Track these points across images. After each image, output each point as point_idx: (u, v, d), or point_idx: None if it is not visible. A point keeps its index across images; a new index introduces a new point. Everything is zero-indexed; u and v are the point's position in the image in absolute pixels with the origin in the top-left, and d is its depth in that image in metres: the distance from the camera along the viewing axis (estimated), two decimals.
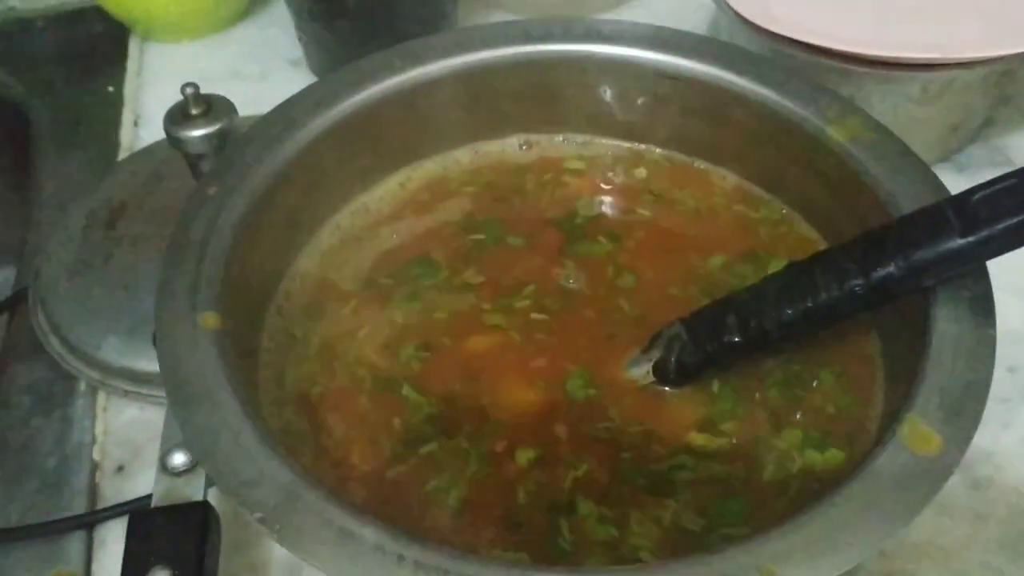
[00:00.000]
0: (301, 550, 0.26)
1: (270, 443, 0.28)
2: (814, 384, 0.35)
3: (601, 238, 0.42)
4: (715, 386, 0.36)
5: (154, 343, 0.44)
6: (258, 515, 0.26)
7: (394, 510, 0.32)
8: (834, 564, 0.26)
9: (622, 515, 0.32)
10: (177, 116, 0.48)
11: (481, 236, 0.42)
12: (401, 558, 0.25)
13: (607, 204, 0.44)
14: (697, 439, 0.34)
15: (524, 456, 0.34)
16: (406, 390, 0.36)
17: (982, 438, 0.45)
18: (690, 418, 0.35)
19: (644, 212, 0.43)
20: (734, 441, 0.34)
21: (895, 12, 0.55)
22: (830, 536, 0.26)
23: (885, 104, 0.53)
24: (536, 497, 0.33)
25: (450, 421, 0.35)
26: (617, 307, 0.39)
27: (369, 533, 0.26)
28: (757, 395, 0.35)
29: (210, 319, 0.32)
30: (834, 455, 0.33)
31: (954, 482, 0.43)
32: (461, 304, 0.39)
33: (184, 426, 0.29)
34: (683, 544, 0.31)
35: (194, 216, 0.35)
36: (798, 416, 0.34)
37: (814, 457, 0.33)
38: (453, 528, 0.32)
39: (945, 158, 0.58)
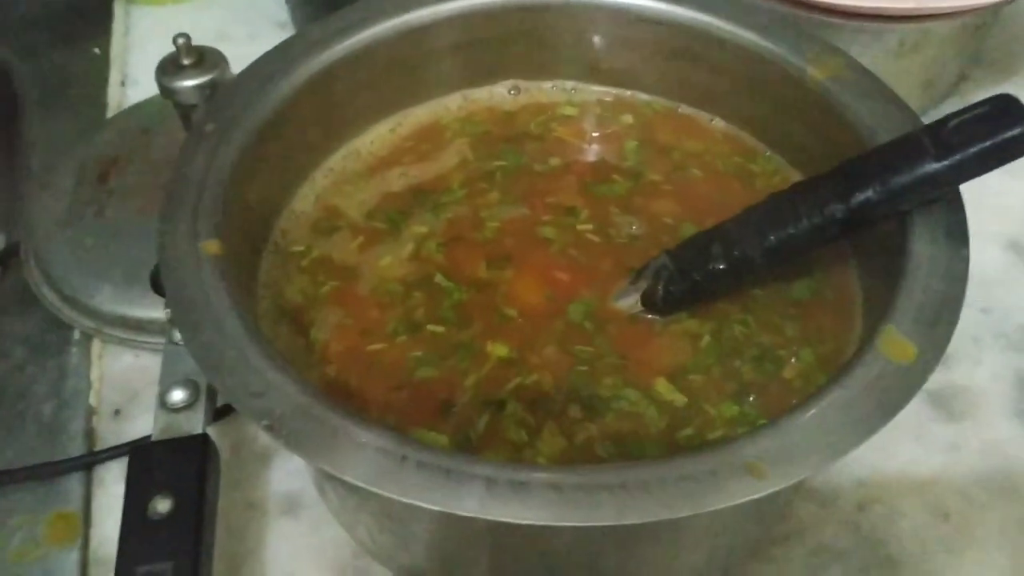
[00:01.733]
0: (308, 454, 0.27)
1: (273, 358, 0.29)
2: (792, 361, 0.36)
3: (617, 177, 0.43)
4: (706, 340, 0.37)
5: (151, 281, 0.45)
6: (265, 422, 0.27)
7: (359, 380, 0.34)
8: (815, 462, 0.27)
9: (541, 423, 0.33)
10: (169, 67, 0.48)
11: (503, 162, 0.43)
12: (404, 458, 0.26)
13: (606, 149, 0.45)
14: (659, 385, 0.35)
15: (497, 351, 0.35)
16: (438, 278, 0.38)
17: (956, 374, 0.47)
18: (666, 363, 0.36)
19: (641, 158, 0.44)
20: (687, 401, 0.35)
21: None
22: (812, 436, 0.27)
23: (863, 58, 0.53)
24: (481, 390, 0.34)
25: (467, 312, 0.37)
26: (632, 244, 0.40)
27: (372, 437, 0.27)
28: (737, 363, 0.36)
29: (211, 245, 0.33)
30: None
31: (930, 415, 0.45)
32: (509, 212, 0.41)
33: (190, 344, 0.29)
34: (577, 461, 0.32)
35: (194, 150, 0.36)
36: (751, 398, 0.35)
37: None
38: (398, 400, 0.34)
39: (921, 113, 0.59)
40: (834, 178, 0.34)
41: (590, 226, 0.40)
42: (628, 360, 0.36)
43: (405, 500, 0.26)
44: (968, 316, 0.31)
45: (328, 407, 0.28)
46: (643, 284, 0.37)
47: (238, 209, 0.36)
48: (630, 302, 0.37)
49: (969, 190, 0.33)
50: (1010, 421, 0.45)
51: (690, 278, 0.36)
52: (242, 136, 0.37)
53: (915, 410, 0.45)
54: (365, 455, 0.27)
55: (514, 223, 0.41)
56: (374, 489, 0.26)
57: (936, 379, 0.29)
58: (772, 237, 0.34)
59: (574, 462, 0.33)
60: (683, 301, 0.37)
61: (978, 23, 0.55)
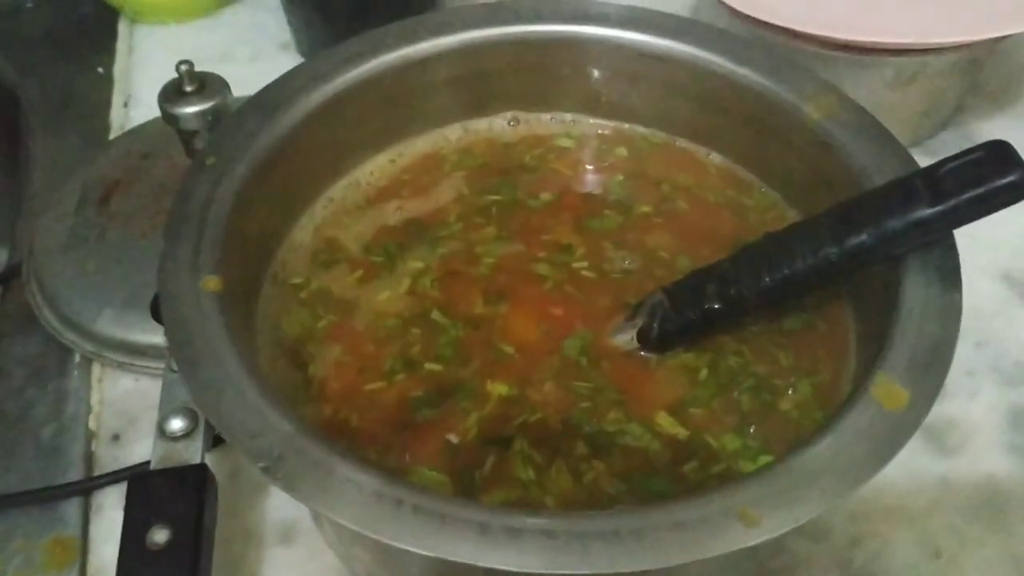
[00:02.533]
0: (304, 496, 0.27)
1: (271, 397, 0.30)
2: (789, 392, 0.36)
3: (610, 212, 0.43)
4: (703, 373, 0.37)
5: (152, 310, 0.46)
6: (262, 464, 0.28)
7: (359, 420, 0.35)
8: (808, 509, 0.27)
9: (548, 461, 0.34)
10: (171, 93, 0.49)
11: (498, 196, 0.44)
12: (400, 502, 0.27)
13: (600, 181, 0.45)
14: (661, 419, 0.35)
15: (497, 389, 0.36)
16: (435, 314, 0.38)
17: (950, 408, 0.47)
18: (666, 398, 0.36)
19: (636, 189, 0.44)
20: (689, 434, 0.35)
21: (870, 0, 0.57)
22: (804, 483, 0.28)
23: (860, 89, 0.54)
24: (484, 428, 0.35)
25: (465, 349, 0.37)
26: (627, 280, 0.40)
27: (368, 480, 0.27)
28: (736, 394, 0.36)
29: (212, 282, 0.33)
30: (765, 460, 0.34)
31: (923, 449, 0.46)
32: (504, 249, 0.41)
33: (190, 381, 0.30)
34: (587, 504, 0.33)
35: (195, 184, 0.36)
36: (751, 429, 0.35)
37: (744, 466, 0.34)
38: (399, 441, 0.34)
39: (916, 143, 0.60)
40: (828, 220, 0.34)
41: (585, 263, 0.41)
42: (627, 395, 0.36)
43: (399, 545, 0.26)
44: (962, 350, 0.31)
45: (325, 448, 0.28)
46: (639, 321, 0.37)
47: (239, 242, 0.36)
48: (626, 339, 0.38)
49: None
50: (1003, 456, 0.46)
51: (685, 316, 0.36)
52: (244, 169, 0.37)
53: (908, 443, 0.45)
54: (361, 498, 0.27)
55: (508, 259, 0.41)
56: (368, 533, 0.26)
57: (930, 413, 0.29)
58: (767, 278, 0.35)
59: (582, 500, 0.33)
60: (679, 339, 0.37)
61: (975, 56, 0.55)
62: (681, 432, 0.35)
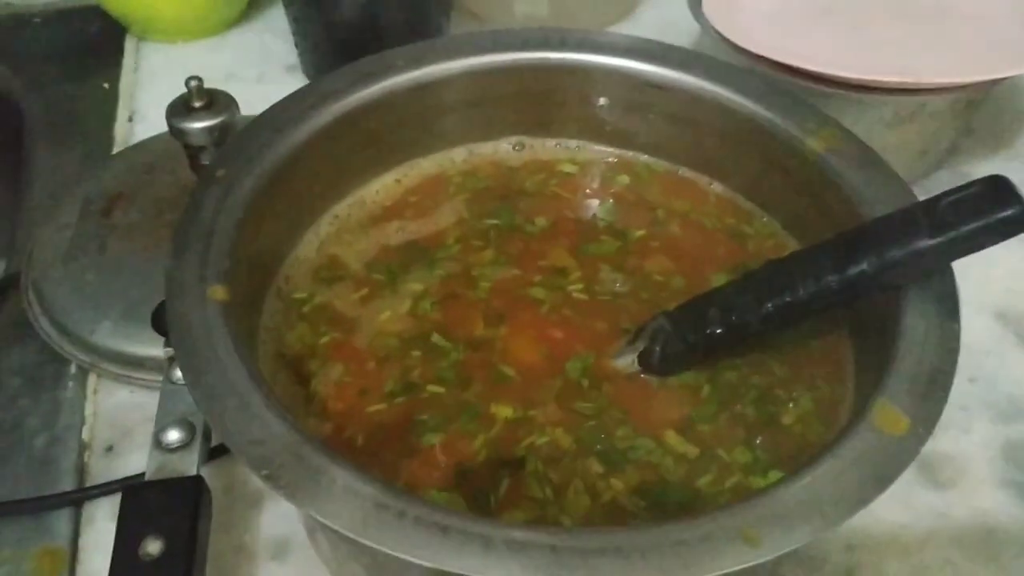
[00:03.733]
0: (306, 505, 0.27)
1: (275, 407, 0.30)
2: (790, 405, 0.37)
3: (607, 238, 0.44)
4: (705, 390, 0.37)
5: (153, 320, 0.46)
6: (264, 472, 0.28)
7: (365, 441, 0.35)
8: (808, 531, 0.27)
9: (565, 480, 0.34)
10: (180, 108, 0.49)
11: (497, 221, 0.44)
12: (402, 514, 0.27)
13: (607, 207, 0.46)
14: (670, 438, 0.36)
15: (502, 412, 0.36)
16: (435, 338, 0.39)
17: (944, 443, 0.48)
18: (672, 417, 0.37)
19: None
20: (700, 452, 0.35)
21: (871, 39, 0.58)
22: (805, 506, 0.28)
23: (858, 127, 0.54)
24: (493, 450, 0.35)
25: (467, 370, 0.38)
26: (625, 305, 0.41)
27: (371, 490, 0.27)
28: (739, 407, 0.37)
29: (219, 291, 0.33)
30: (775, 475, 0.34)
31: (918, 483, 0.46)
32: (501, 272, 0.42)
33: (193, 388, 0.30)
34: (607, 523, 0.33)
35: (205, 195, 0.36)
36: (758, 440, 0.36)
37: (755, 480, 0.35)
38: (409, 467, 0.34)
39: (913, 182, 0.60)
40: (830, 249, 0.35)
41: (580, 286, 0.41)
42: (632, 415, 0.36)
43: (400, 555, 0.26)
44: (956, 385, 0.31)
45: (328, 458, 0.28)
46: (640, 345, 0.38)
47: (245, 254, 0.36)
48: (627, 362, 0.38)
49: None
50: (996, 491, 0.46)
51: (687, 341, 0.37)
52: (253, 182, 0.38)
53: (903, 476, 0.45)
54: (363, 507, 0.27)
55: (505, 282, 0.41)
56: (368, 543, 0.26)
57: (925, 447, 0.30)
58: (769, 304, 0.35)
59: (601, 520, 0.33)
60: (681, 363, 0.37)
61: (971, 98, 0.56)
62: (691, 450, 0.35)
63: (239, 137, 0.40)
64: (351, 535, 0.26)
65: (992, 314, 0.54)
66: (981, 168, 0.64)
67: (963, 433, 0.48)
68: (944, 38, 0.58)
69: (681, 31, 0.69)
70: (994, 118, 0.68)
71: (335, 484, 0.28)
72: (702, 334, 0.36)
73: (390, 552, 0.26)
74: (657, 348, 0.37)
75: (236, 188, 0.37)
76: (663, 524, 0.27)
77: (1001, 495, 0.46)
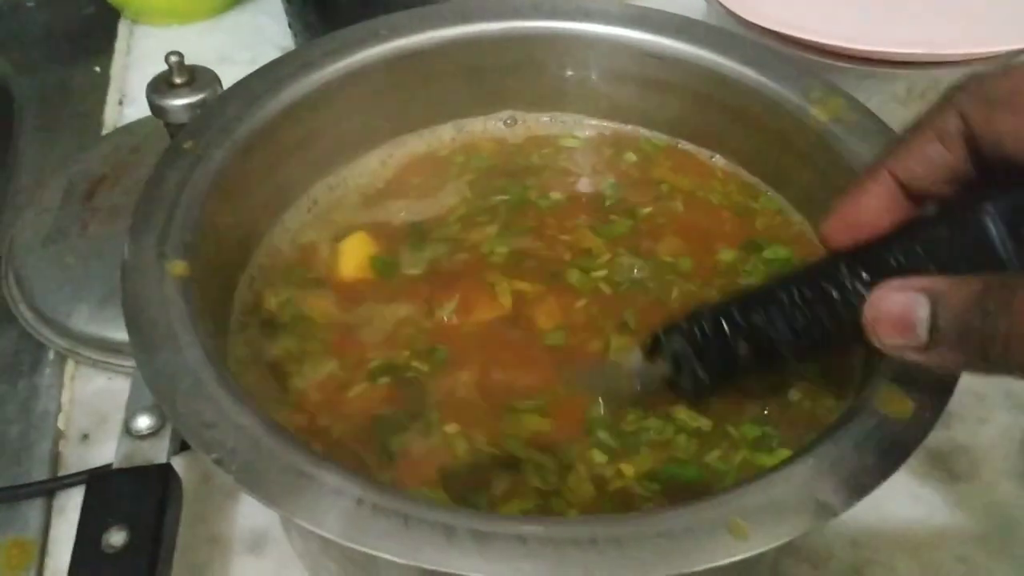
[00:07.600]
0: (258, 492, 0.25)
1: (231, 387, 0.28)
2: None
3: (617, 218, 0.41)
4: None
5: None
6: (215, 455, 0.26)
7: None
8: (802, 523, 0.25)
9: (565, 468, 0.32)
10: (160, 85, 0.47)
11: (506, 196, 0.42)
12: (360, 502, 0.25)
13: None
14: (681, 412, 0.33)
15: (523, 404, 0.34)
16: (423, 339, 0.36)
17: (959, 432, 0.45)
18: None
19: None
20: (712, 423, 0.33)
21: (882, 12, 0.55)
22: (799, 494, 0.25)
23: (870, 103, 0.53)
24: (488, 446, 0.33)
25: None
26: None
27: (328, 477, 0.25)
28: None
29: (178, 266, 0.31)
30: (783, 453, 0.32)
31: (931, 475, 0.43)
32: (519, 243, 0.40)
33: (144, 367, 0.28)
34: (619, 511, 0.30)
35: (169, 167, 0.34)
36: (766, 411, 0.34)
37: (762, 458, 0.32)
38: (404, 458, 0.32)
39: None
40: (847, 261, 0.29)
41: (604, 271, 0.39)
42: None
43: (355, 547, 0.24)
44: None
45: (283, 442, 0.26)
46: (661, 365, 0.33)
47: (213, 230, 0.34)
48: (653, 385, 0.34)
49: None
50: (1014, 482, 0.43)
51: (715, 370, 0.32)
52: (222, 155, 0.36)
53: (914, 468, 0.43)
54: (318, 495, 0.25)
55: (507, 268, 0.39)
56: (321, 532, 0.24)
57: (937, 437, 0.27)
58: (804, 341, 0.30)
59: (611, 508, 0.31)
60: (713, 389, 0.33)
61: None
62: (704, 423, 0.33)
63: (210, 107, 0.38)
64: (303, 523, 0.24)
65: None
66: None
67: (979, 423, 0.45)
68: (958, 10, 0.55)
69: (685, 5, 0.66)
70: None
71: (290, 470, 0.26)
72: (735, 367, 0.32)
73: (343, 543, 0.24)
74: (688, 383, 0.33)
75: (204, 161, 0.35)
76: (644, 513, 0.25)
77: (1019, 487, 0.43)
